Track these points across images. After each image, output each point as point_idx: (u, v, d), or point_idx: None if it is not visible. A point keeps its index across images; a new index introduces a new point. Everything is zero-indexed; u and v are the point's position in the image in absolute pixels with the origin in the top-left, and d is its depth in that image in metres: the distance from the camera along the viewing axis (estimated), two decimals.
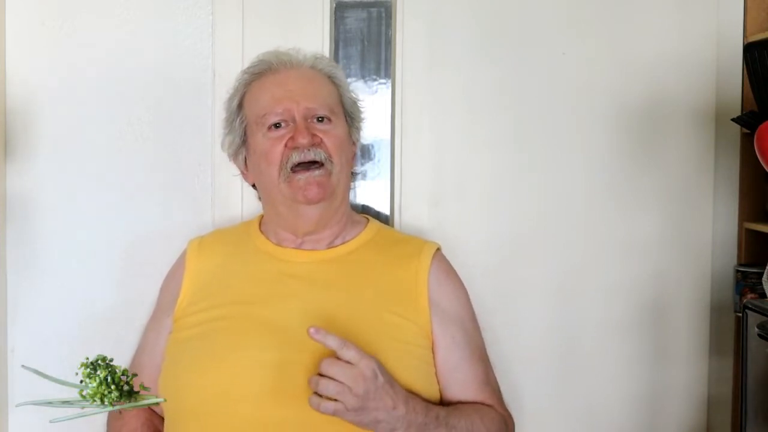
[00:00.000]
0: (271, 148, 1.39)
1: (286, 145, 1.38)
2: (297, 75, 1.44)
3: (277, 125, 1.40)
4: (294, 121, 1.39)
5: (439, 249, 1.50)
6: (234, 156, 1.49)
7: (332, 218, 1.44)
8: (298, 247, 1.44)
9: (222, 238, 1.54)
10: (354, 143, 1.50)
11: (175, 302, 1.45)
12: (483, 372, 1.46)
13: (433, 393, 1.39)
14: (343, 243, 1.46)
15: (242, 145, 1.46)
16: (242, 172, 1.51)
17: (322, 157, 1.38)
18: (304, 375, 1.27)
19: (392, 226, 1.72)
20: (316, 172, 1.37)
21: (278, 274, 1.42)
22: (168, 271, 1.55)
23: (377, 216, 1.73)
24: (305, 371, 1.28)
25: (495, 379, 1.50)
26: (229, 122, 1.48)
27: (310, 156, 1.37)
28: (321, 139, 1.39)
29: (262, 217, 1.53)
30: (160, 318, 1.48)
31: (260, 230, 1.50)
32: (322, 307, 1.36)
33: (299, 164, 1.37)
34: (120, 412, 1.30)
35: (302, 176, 1.37)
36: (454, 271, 1.51)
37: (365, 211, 1.75)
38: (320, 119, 1.40)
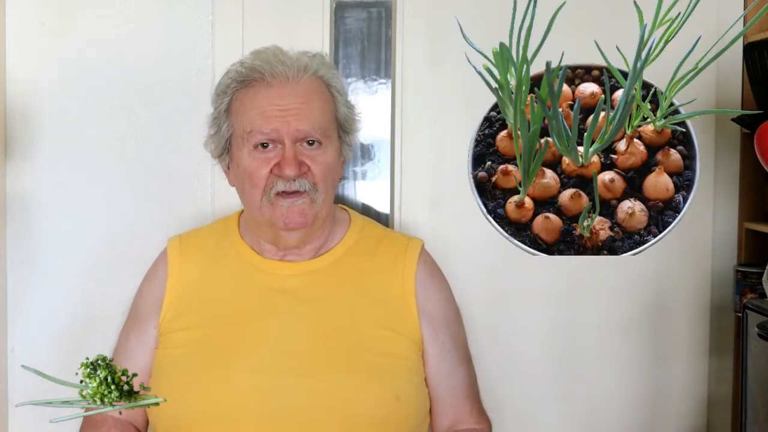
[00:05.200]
0: (257, 170, 1.32)
1: (271, 171, 1.32)
2: (292, 91, 1.33)
3: (264, 144, 1.32)
4: (282, 142, 1.32)
5: (423, 246, 1.48)
6: (217, 157, 1.42)
7: (313, 235, 1.40)
8: (282, 259, 1.41)
9: (202, 241, 1.48)
10: (344, 160, 1.43)
11: (159, 308, 1.41)
12: (469, 374, 1.47)
13: (423, 402, 1.39)
14: (327, 251, 1.42)
15: (225, 153, 1.39)
16: (225, 172, 1.43)
17: (307, 188, 1.32)
18: (297, 397, 1.28)
19: (392, 226, 1.72)
20: (300, 200, 1.32)
21: (264, 288, 1.39)
22: (147, 271, 1.50)
23: (377, 216, 1.73)
24: (298, 393, 1.28)
25: (475, 375, 1.50)
26: (216, 123, 1.39)
27: (295, 186, 1.32)
28: (308, 167, 1.33)
29: (239, 214, 1.48)
30: (142, 326, 1.43)
31: (239, 233, 1.45)
32: (311, 324, 1.35)
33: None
34: (120, 412, 1.30)
35: (285, 203, 1.32)
36: (438, 268, 1.50)
37: (365, 210, 1.75)
38: (310, 143, 1.34)
